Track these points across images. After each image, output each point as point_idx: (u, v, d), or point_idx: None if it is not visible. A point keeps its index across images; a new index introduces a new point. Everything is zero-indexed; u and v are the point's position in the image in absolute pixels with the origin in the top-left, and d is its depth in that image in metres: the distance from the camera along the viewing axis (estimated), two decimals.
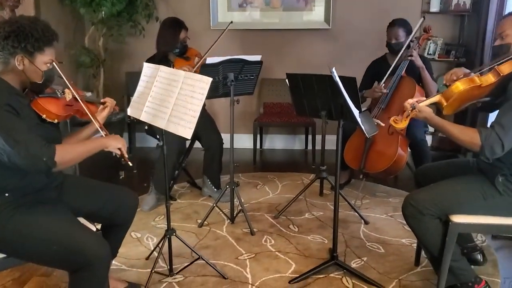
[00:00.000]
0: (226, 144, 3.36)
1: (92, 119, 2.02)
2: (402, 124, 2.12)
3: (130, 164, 1.95)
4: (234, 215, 3.20)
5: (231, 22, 3.58)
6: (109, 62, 4.74)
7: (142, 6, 4.47)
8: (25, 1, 3.80)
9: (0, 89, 1.77)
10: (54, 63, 1.88)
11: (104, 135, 1.99)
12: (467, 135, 2.00)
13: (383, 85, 3.44)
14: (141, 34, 4.61)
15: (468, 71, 2.14)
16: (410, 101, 2.12)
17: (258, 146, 4.80)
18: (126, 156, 1.94)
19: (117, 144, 1.92)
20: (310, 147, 4.87)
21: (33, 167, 1.72)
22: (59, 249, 1.78)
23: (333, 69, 2.26)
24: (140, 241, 2.94)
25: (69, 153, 1.82)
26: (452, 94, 2.06)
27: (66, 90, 1.98)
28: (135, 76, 4.53)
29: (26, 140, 1.70)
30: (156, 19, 4.54)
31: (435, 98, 2.14)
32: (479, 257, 2.60)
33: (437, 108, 2.16)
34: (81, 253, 1.77)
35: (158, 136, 3.56)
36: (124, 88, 4.74)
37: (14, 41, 1.75)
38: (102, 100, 2.17)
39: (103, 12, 4.20)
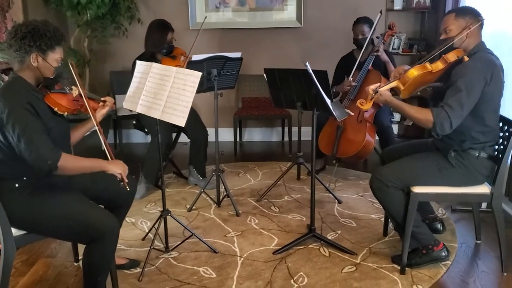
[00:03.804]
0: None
1: (91, 115, 2.24)
2: (367, 105, 2.45)
3: (128, 189, 2.14)
4: (220, 200, 3.48)
5: (205, 17, 4.03)
6: (94, 62, 4.94)
7: (125, 8, 4.68)
8: (15, 5, 4.01)
9: (20, 86, 2.01)
10: (70, 65, 2.13)
11: (98, 130, 2.20)
12: (422, 114, 2.33)
13: (351, 78, 3.77)
14: (124, 35, 4.83)
15: (408, 67, 2.47)
16: (372, 86, 2.45)
17: (237, 139, 5.07)
18: (126, 181, 2.13)
19: (116, 170, 2.12)
20: (286, 138, 5.18)
21: (37, 166, 1.95)
22: (75, 224, 2.03)
23: (307, 63, 2.57)
24: (135, 225, 3.19)
25: (71, 163, 2.02)
26: (408, 80, 2.39)
27: (73, 87, 2.22)
28: (119, 75, 4.85)
29: (38, 141, 1.92)
30: (138, 21, 4.77)
31: (394, 83, 2.45)
32: (439, 226, 2.96)
33: (395, 92, 2.49)
34: (94, 226, 2.03)
35: (146, 130, 3.84)
36: (109, 86, 4.96)
37: (30, 40, 1.99)
38: (102, 99, 2.40)
39: (88, 15, 4.40)
